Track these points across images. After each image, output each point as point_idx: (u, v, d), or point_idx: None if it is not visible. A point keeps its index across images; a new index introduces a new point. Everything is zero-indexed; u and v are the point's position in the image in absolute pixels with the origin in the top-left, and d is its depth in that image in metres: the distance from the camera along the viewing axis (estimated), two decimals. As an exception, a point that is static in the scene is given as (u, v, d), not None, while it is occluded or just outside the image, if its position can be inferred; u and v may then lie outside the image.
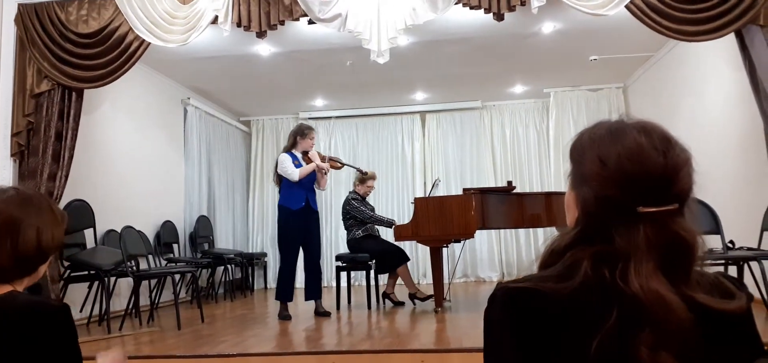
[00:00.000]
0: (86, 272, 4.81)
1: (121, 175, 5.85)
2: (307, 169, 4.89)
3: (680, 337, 0.77)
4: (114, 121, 5.84)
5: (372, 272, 5.64)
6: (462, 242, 5.92)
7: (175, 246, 6.59)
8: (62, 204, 4.49)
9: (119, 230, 5.06)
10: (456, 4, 4.23)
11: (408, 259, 5.59)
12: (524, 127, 8.37)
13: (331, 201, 8.44)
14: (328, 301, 5.20)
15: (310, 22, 4.42)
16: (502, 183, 7.69)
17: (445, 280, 5.30)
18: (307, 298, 5.03)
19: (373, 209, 5.82)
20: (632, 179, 0.82)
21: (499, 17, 4.21)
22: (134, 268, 4.73)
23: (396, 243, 5.39)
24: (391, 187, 8.48)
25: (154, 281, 5.69)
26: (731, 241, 4.02)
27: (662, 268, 0.80)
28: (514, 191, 5.31)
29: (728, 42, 4.27)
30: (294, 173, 4.82)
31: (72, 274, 4.76)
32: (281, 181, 4.93)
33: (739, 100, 4.70)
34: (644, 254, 0.80)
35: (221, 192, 7.97)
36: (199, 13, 4.34)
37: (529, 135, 8.35)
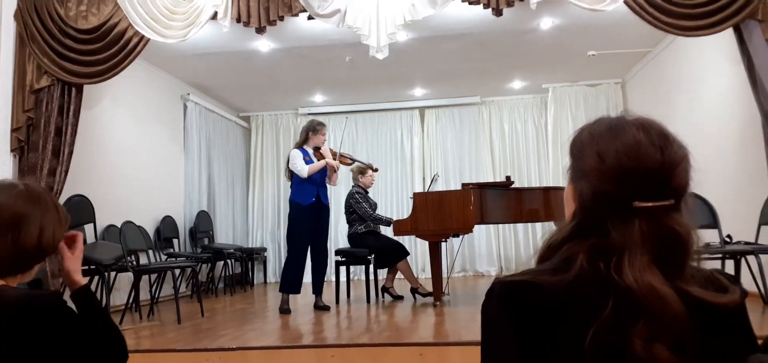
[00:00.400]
0: (86, 267, 4.81)
1: (121, 170, 5.86)
2: (316, 166, 4.92)
3: (674, 330, 0.78)
4: (114, 117, 5.85)
5: (371, 267, 5.66)
6: (461, 237, 5.94)
7: (175, 241, 6.61)
8: (62, 199, 4.50)
9: (119, 225, 5.08)
10: (455, -1, 4.24)
11: (408, 254, 5.61)
12: (523, 123, 8.39)
13: (330, 196, 8.42)
14: (327, 295, 5.22)
15: (310, 17, 4.43)
16: (500, 178, 7.70)
17: (444, 275, 5.32)
18: (314, 292, 5.07)
19: (375, 205, 5.83)
20: (629, 174, 0.84)
21: (498, 12, 4.22)
22: (134, 262, 4.74)
23: (395, 237, 5.41)
24: (390, 182, 8.50)
25: (154, 276, 5.72)
26: (729, 236, 4.04)
27: (657, 261, 0.81)
28: (513, 186, 5.33)
29: (726, 37, 4.28)
30: (303, 170, 4.86)
31: (72, 269, 4.76)
32: (293, 176, 4.97)
33: (736, 95, 4.71)
34: (639, 248, 0.82)
35: (221, 187, 7.98)
36: (198, 9, 4.34)
37: (527, 130, 8.36)
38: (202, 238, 7.17)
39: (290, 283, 4.90)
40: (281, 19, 4.36)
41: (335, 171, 5.06)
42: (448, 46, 6.14)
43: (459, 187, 5.92)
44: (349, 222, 5.77)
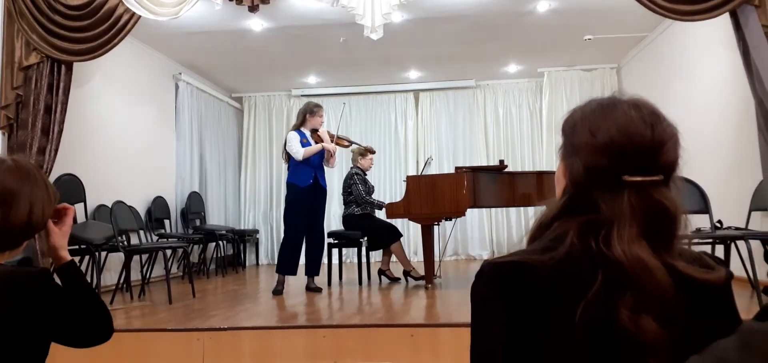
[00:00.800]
0: (77, 247, 4.78)
1: (111, 150, 5.81)
2: (312, 149, 4.90)
3: (661, 302, 0.79)
4: (104, 96, 5.79)
5: (364, 249, 5.65)
6: (453, 220, 5.94)
7: (166, 221, 6.58)
8: (52, 178, 4.46)
9: (110, 205, 5.04)
10: (450, -20, 4.19)
11: (401, 236, 5.61)
12: (517, 107, 8.37)
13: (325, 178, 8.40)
14: (319, 277, 5.22)
15: (303, -4, 4.38)
16: (494, 162, 7.70)
17: (436, 258, 5.32)
18: (307, 273, 5.08)
19: (373, 189, 5.82)
20: (620, 149, 0.85)
21: (494, -6, 4.18)
22: (125, 243, 4.72)
23: (389, 220, 5.40)
24: (383, 165, 8.48)
25: (145, 256, 5.69)
26: (719, 221, 4.05)
27: (645, 235, 0.82)
28: (506, 170, 5.32)
29: (722, 22, 4.26)
30: (299, 152, 4.86)
31: (62, 249, 4.73)
32: (290, 158, 4.95)
33: (731, 80, 4.71)
34: (628, 220, 0.82)
35: (213, 168, 7.95)
36: (190, -14, 4.28)
37: (522, 114, 8.35)
38: (194, 219, 7.14)
39: (287, 264, 4.90)
40: (274, -3, 4.31)
41: (332, 154, 5.04)
42: (443, 28, 6.09)
43: (452, 171, 5.91)
44: (345, 202, 5.75)
